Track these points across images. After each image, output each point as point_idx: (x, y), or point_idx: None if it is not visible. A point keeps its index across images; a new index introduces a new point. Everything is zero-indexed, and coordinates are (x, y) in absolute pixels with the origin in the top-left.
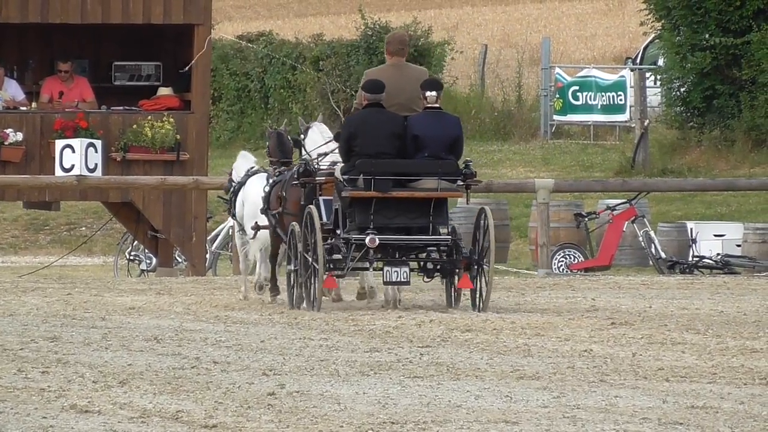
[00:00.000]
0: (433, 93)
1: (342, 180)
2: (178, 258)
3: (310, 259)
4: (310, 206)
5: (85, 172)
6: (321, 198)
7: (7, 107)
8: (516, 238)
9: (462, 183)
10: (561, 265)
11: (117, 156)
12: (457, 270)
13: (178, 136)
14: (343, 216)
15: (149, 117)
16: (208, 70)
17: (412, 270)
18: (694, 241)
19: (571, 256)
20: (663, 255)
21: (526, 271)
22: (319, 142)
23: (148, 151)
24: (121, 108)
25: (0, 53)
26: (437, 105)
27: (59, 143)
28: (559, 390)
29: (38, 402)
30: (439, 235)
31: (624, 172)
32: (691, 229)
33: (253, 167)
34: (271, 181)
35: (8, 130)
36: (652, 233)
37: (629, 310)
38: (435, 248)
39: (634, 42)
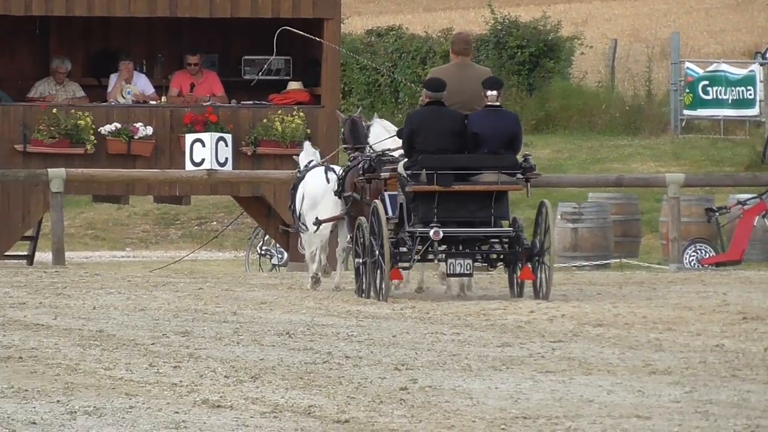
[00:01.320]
0: (494, 92)
1: (405, 175)
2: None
3: (377, 252)
4: (376, 200)
5: (216, 167)
6: (386, 193)
7: (137, 101)
8: (647, 233)
9: (522, 176)
10: (692, 260)
11: (247, 150)
12: (519, 262)
13: (308, 131)
14: (408, 210)
15: (279, 111)
16: (337, 64)
17: (475, 261)
18: None
19: (702, 251)
20: None
21: (657, 266)
22: (383, 136)
23: (279, 145)
24: (251, 102)
25: (129, 47)
26: (497, 103)
27: (189, 137)
28: (691, 385)
29: (170, 397)
30: (501, 227)
31: (754, 166)
32: None
33: (311, 161)
34: (345, 165)
35: (138, 125)
36: None
37: (760, 304)
38: (497, 240)
39: (764, 37)
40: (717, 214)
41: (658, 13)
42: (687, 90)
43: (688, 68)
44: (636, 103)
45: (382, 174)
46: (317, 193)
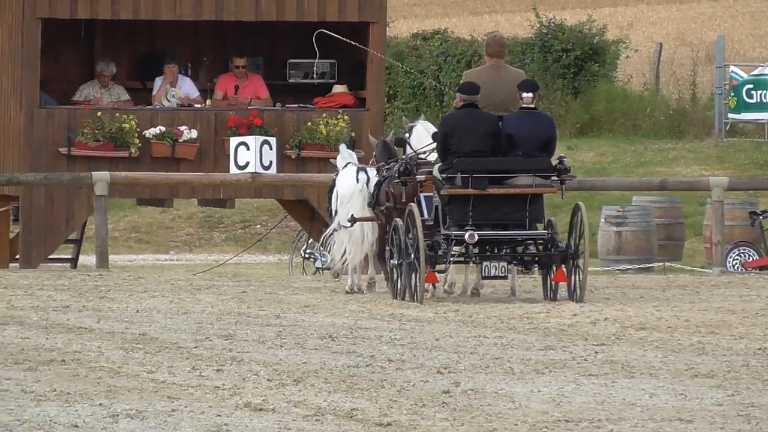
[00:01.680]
0: (530, 94)
1: (440, 178)
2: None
3: (412, 255)
4: (411, 204)
5: (260, 170)
6: (422, 195)
7: (182, 104)
8: (690, 236)
9: (557, 179)
10: (736, 263)
11: (292, 153)
12: (553, 264)
13: (353, 134)
14: (443, 213)
15: (324, 114)
16: (382, 67)
17: (510, 263)
18: None
19: (746, 254)
20: None
21: (700, 269)
22: (425, 137)
23: (323, 148)
24: (296, 105)
25: (174, 51)
26: (532, 105)
27: (234, 141)
28: (734, 388)
29: (212, 400)
30: (536, 229)
31: None
32: None
33: (348, 163)
34: (378, 177)
35: (182, 128)
36: None
37: None
38: (532, 242)
39: None
40: (761, 217)
41: (704, 17)
42: (731, 94)
43: (733, 72)
44: (681, 106)
45: (417, 176)
46: (345, 193)
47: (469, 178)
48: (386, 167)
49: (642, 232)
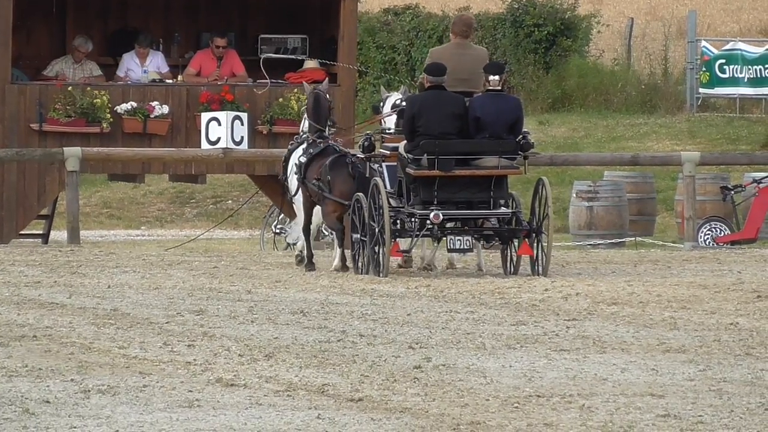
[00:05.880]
0: (496, 77)
1: (406, 157)
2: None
3: (376, 228)
4: (377, 178)
5: (231, 145)
6: (384, 165)
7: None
8: (662, 212)
9: (521, 154)
10: (707, 239)
11: (263, 129)
12: (517, 238)
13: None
14: (407, 189)
15: (295, 90)
16: (354, 43)
17: (474, 237)
18: None
19: (718, 229)
20: None
21: (672, 244)
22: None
23: (295, 123)
24: (267, 81)
25: (146, 26)
26: (499, 88)
27: (205, 116)
28: (705, 363)
29: (184, 375)
30: (499, 208)
31: None
32: None
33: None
34: (309, 151)
35: (154, 103)
36: None
37: None
38: (496, 219)
39: None
40: (732, 192)
41: None
42: (703, 68)
43: (704, 47)
44: (652, 81)
45: (381, 151)
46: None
47: (435, 159)
48: (314, 139)
49: (613, 207)
